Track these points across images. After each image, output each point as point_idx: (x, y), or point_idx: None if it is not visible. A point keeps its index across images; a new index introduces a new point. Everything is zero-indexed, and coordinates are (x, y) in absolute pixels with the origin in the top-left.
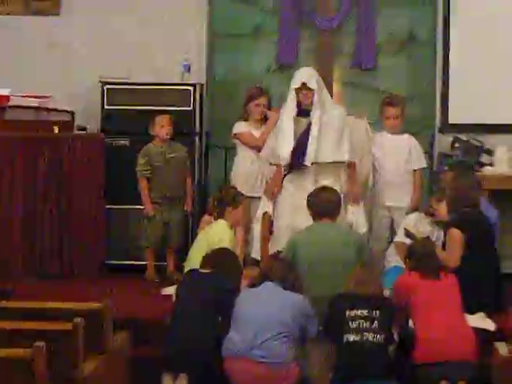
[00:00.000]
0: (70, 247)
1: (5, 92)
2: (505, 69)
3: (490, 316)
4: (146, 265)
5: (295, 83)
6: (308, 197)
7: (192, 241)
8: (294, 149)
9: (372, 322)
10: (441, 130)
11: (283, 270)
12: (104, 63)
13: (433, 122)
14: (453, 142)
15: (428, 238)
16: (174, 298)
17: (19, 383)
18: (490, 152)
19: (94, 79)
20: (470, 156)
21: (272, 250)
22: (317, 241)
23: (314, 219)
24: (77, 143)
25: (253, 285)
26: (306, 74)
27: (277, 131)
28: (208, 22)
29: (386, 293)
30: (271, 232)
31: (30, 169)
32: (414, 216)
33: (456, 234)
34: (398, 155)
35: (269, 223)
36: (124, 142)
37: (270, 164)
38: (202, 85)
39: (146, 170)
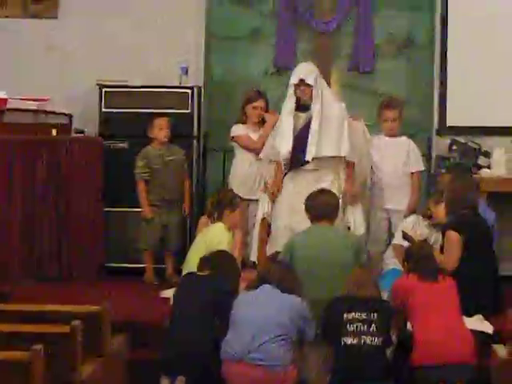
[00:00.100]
0: (69, 250)
1: (3, 95)
2: (502, 72)
3: (488, 318)
4: (144, 267)
5: (293, 79)
6: (306, 200)
7: (190, 243)
8: (293, 145)
9: (370, 325)
10: (438, 133)
11: (281, 272)
12: (102, 66)
13: (430, 125)
14: (450, 145)
15: (426, 240)
16: (171, 302)
17: None
18: (487, 154)
19: (92, 82)
20: (467, 158)
21: (270, 250)
22: (315, 243)
23: (312, 222)
24: (75, 146)
25: (251, 287)
26: (304, 70)
27: (276, 129)
28: (206, 25)
29: (384, 295)
30: (269, 234)
31: (28, 172)
32: (411, 218)
33: (454, 236)
34: (396, 158)
35: (267, 226)
36: (122, 144)
37: (270, 161)
38: (199, 87)
39: (145, 173)
